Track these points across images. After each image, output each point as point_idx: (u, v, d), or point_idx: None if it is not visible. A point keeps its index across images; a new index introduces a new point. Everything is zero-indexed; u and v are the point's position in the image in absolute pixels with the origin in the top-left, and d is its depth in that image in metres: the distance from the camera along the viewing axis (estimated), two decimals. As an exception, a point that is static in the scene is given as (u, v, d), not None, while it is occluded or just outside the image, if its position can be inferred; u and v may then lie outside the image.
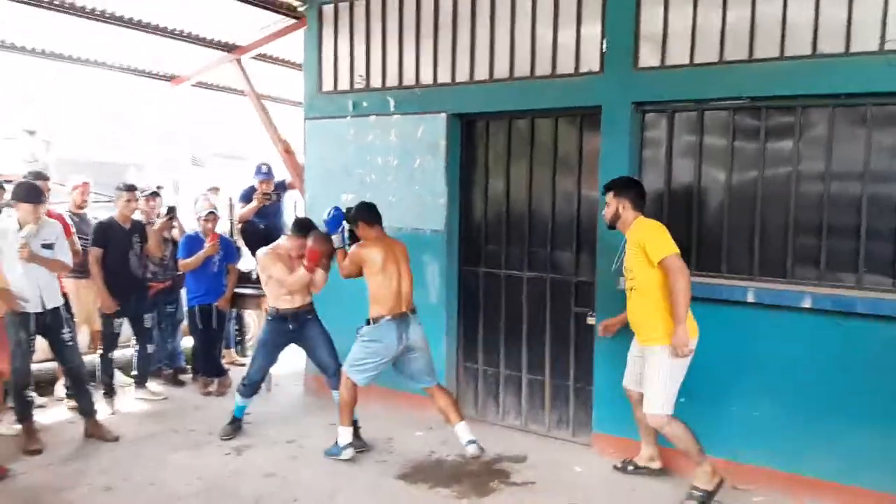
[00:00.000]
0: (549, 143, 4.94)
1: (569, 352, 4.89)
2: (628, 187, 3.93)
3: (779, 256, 4.08)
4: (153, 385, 6.07)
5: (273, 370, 5.32)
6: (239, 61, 7.14)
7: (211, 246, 5.90)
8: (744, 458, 4.12)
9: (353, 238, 4.55)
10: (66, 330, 4.79)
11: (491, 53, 4.98)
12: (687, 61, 4.23)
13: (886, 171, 3.79)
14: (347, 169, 5.68)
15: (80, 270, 5.46)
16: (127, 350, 6.02)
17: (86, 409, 4.93)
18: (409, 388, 4.64)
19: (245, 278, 6.43)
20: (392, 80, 5.49)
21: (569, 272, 4.88)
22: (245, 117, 8.23)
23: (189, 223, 6.46)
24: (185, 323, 6.44)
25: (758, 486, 4.07)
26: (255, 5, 5.98)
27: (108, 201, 6.76)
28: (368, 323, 4.40)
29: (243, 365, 6.29)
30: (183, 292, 6.32)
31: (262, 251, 4.83)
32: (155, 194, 6.35)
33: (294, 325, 4.84)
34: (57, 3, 5.63)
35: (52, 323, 4.71)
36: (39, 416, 5.03)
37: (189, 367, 6.50)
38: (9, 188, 4.96)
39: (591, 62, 4.57)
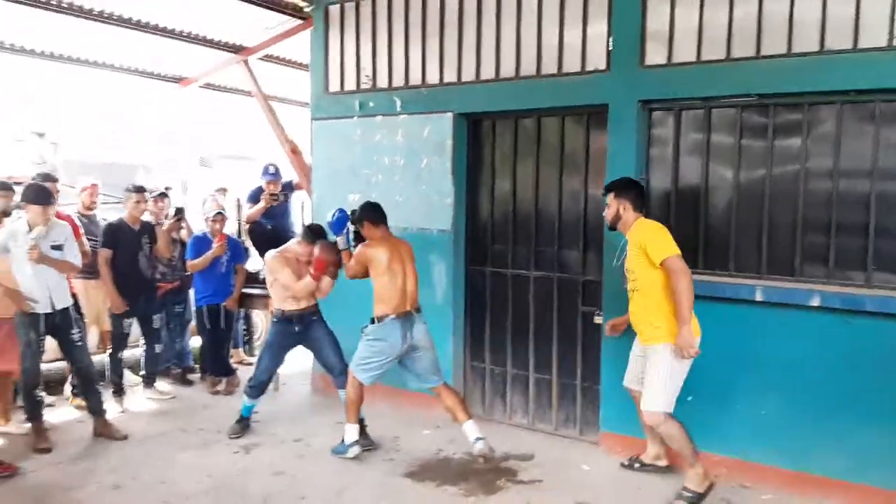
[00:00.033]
0: (555, 142, 4.93)
1: (576, 351, 4.88)
2: (628, 188, 3.91)
3: (787, 254, 4.06)
4: (162, 384, 6.10)
5: (281, 369, 5.34)
6: (246, 62, 7.16)
7: (219, 246, 5.93)
8: (752, 456, 4.10)
9: (359, 238, 4.56)
10: (75, 330, 4.82)
11: (497, 52, 4.99)
12: (694, 59, 4.22)
13: (895, 167, 3.77)
14: (354, 169, 5.69)
15: (89, 271, 5.49)
16: (135, 350, 6.05)
17: (95, 409, 4.96)
18: (416, 388, 4.63)
19: (253, 278, 6.45)
20: (398, 80, 5.50)
21: (576, 271, 4.88)
22: (252, 118, 8.25)
23: (197, 224, 6.49)
24: (193, 323, 6.47)
25: (766, 484, 4.05)
26: (262, 6, 6.00)
27: (117, 203, 6.80)
28: (373, 322, 4.41)
29: (251, 364, 6.32)
30: (191, 292, 6.35)
31: (270, 254, 4.84)
32: (163, 195, 6.38)
33: (300, 327, 4.86)
34: (65, 5, 5.66)
35: (62, 323, 4.74)
36: (49, 416, 5.06)
37: (197, 366, 6.53)
38: (18, 190, 4.99)
39: (597, 60, 4.56)
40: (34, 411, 4.73)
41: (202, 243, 5.99)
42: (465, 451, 4.55)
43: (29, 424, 4.77)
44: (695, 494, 3.80)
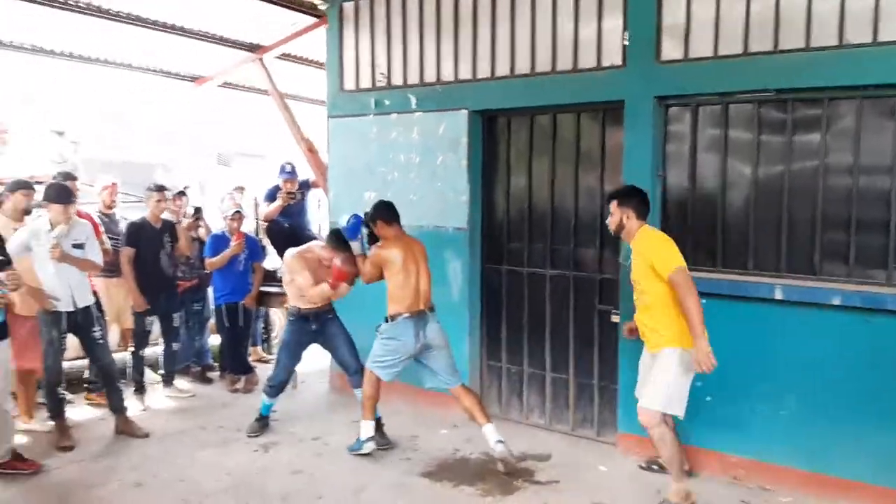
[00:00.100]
0: (571, 138, 4.90)
1: (593, 350, 4.86)
2: (631, 196, 3.84)
3: (806, 252, 4.01)
4: (181, 382, 6.17)
5: (299, 368, 5.37)
6: (262, 61, 7.18)
7: (237, 245, 5.98)
8: (771, 457, 4.06)
9: (373, 240, 4.57)
10: (97, 328, 4.88)
11: (512, 49, 4.96)
12: (710, 54, 4.16)
13: (917, 163, 3.71)
14: (370, 167, 5.70)
15: (110, 269, 5.56)
16: (156, 348, 6.12)
17: (116, 406, 5.02)
18: (433, 387, 4.62)
19: (270, 276, 6.50)
20: (413, 78, 5.49)
21: (592, 269, 4.85)
22: (269, 116, 8.29)
23: (215, 222, 6.54)
24: (212, 321, 6.53)
25: (785, 485, 4.01)
26: (277, 5, 6.01)
27: (137, 201, 6.88)
28: (387, 321, 4.43)
29: (269, 362, 6.37)
30: (210, 291, 6.41)
31: (291, 252, 4.86)
32: (181, 194, 6.45)
33: (316, 325, 4.89)
34: (83, 5, 5.71)
35: (84, 321, 4.80)
36: (70, 413, 5.13)
37: (216, 364, 6.59)
38: (39, 189, 5.05)
39: (612, 56, 4.52)
40: (57, 409, 4.80)
41: (220, 242, 6.04)
42: (482, 450, 4.55)
43: (52, 422, 4.84)
44: None
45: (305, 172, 7.06)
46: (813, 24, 3.83)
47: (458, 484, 4.21)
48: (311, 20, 6.41)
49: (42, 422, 5.02)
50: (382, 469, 4.44)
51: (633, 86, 4.40)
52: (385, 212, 4.51)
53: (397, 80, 5.59)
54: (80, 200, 5.50)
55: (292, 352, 4.97)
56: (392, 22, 5.57)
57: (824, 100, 3.89)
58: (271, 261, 6.82)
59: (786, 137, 4.03)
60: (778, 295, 3.96)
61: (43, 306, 4.58)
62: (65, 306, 4.68)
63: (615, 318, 4.56)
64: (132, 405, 5.34)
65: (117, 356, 5.43)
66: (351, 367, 4.89)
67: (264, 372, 5.70)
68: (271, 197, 6.82)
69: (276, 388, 5.02)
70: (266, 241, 6.96)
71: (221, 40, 6.86)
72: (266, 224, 6.91)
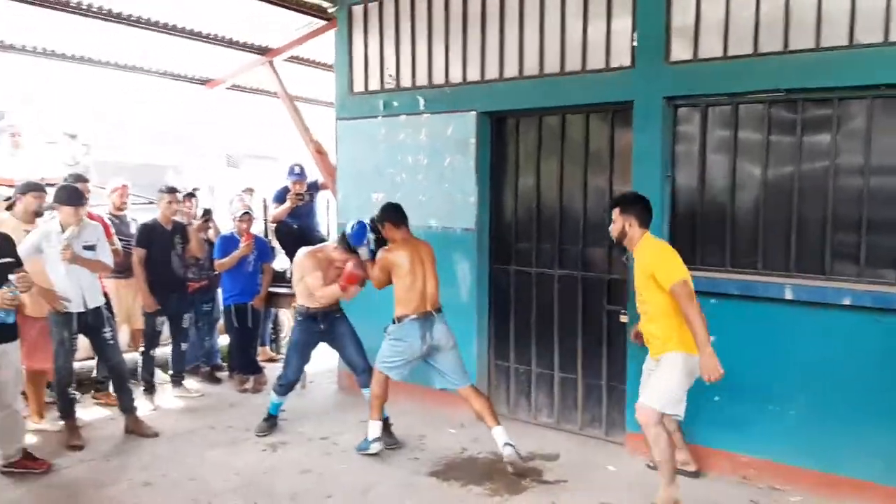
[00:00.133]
0: (579, 139, 4.90)
1: (601, 350, 4.85)
2: (634, 203, 3.80)
3: (817, 252, 3.99)
4: (191, 382, 6.20)
5: (307, 367, 5.38)
6: (271, 63, 7.23)
7: (246, 246, 6.00)
8: (781, 457, 4.05)
9: (381, 243, 4.57)
10: (107, 329, 4.91)
11: (520, 50, 4.97)
12: (720, 54, 4.16)
13: (928, 163, 3.69)
14: (378, 169, 5.72)
15: (120, 270, 5.59)
16: (165, 348, 6.14)
17: (126, 406, 5.04)
18: (442, 387, 4.61)
19: (279, 277, 6.52)
20: (422, 79, 5.50)
21: (601, 269, 4.84)
22: (278, 119, 8.33)
23: (224, 224, 6.57)
24: (221, 321, 6.55)
25: (795, 486, 3.99)
26: (287, 8, 6.05)
27: (147, 203, 6.92)
28: (394, 322, 4.44)
29: (278, 361, 6.39)
30: (219, 291, 6.44)
31: (303, 251, 4.87)
32: (191, 195, 6.49)
33: (324, 325, 4.90)
34: (95, 10, 5.76)
35: (94, 322, 4.83)
36: (81, 413, 5.15)
37: (225, 364, 6.62)
38: (50, 191, 5.09)
39: (621, 56, 4.52)
40: (67, 409, 4.82)
41: (229, 243, 6.07)
42: (490, 450, 4.54)
43: (62, 422, 4.86)
44: None
45: (314, 174, 7.08)
46: (823, 23, 3.82)
47: (466, 483, 4.21)
48: (321, 23, 6.45)
49: (52, 421, 5.05)
50: (390, 468, 4.45)
51: (642, 86, 4.40)
52: (393, 214, 4.53)
53: (406, 81, 5.60)
54: (91, 202, 5.54)
55: (301, 351, 4.99)
56: (401, 24, 5.59)
57: (834, 100, 3.88)
58: (280, 262, 6.85)
59: (796, 138, 4.02)
60: (788, 295, 3.94)
61: (54, 307, 4.60)
62: (76, 307, 4.70)
63: (624, 319, 4.56)
64: (142, 405, 5.36)
65: (127, 356, 5.45)
66: (359, 366, 4.90)
67: (273, 372, 5.72)
68: (280, 198, 6.85)
69: (286, 387, 5.03)
70: (275, 243, 6.98)
71: (232, 43, 6.91)
72: (275, 225, 6.94)
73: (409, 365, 4.48)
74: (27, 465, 4.30)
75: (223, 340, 6.70)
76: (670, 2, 4.28)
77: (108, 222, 5.66)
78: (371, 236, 4.59)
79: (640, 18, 4.40)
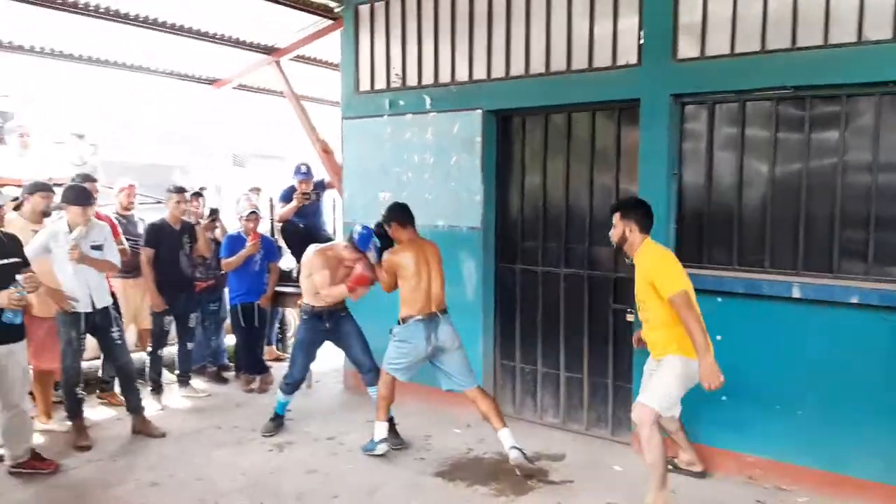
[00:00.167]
0: (586, 137, 4.88)
1: (607, 349, 4.83)
2: (635, 208, 3.76)
3: (824, 250, 3.96)
4: (197, 382, 6.21)
5: (314, 367, 5.39)
6: (278, 63, 7.24)
7: (252, 245, 6.01)
8: (787, 457, 4.02)
9: (388, 245, 4.56)
10: (115, 329, 4.92)
11: (526, 48, 4.95)
12: (727, 51, 4.13)
13: (938, 160, 3.65)
14: (385, 167, 5.71)
15: (128, 270, 5.61)
16: (172, 348, 6.16)
17: (134, 406, 5.05)
18: (449, 389, 4.60)
19: (286, 277, 6.53)
20: (428, 78, 5.49)
21: (607, 268, 4.82)
22: (284, 118, 8.34)
23: (231, 223, 6.58)
24: (228, 321, 6.57)
25: (802, 485, 3.97)
26: (293, 8, 6.05)
27: (155, 203, 6.94)
28: (399, 324, 4.43)
29: (284, 360, 6.40)
30: (226, 291, 6.45)
31: (313, 248, 4.85)
32: (198, 195, 6.50)
33: (329, 324, 4.90)
34: (102, 10, 5.78)
35: (102, 322, 4.84)
36: (88, 413, 5.15)
37: (232, 364, 6.63)
38: (58, 191, 5.11)
39: (628, 54, 4.50)
40: (75, 409, 4.83)
41: (236, 242, 6.08)
42: (496, 450, 4.53)
43: (70, 422, 4.87)
44: None
45: (320, 173, 7.09)
46: (831, 20, 3.79)
47: (472, 483, 4.20)
48: (327, 22, 6.45)
49: (60, 422, 5.07)
50: (396, 469, 4.44)
51: (649, 84, 4.38)
52: (400, 214, 4.52)
53: (412, 80, 5.59)
54: (99, 202, 5.56)
55: (306, 350, 4.99)
56: (407, 23, 5.58)
57: (842, 97, 3.85)
58: (286, 261, 6.85)
59: (804, 135, 3.99)
60: (795, 293, 3.91)
61: (62, 307, 4.62)
62: (84, 307, 4.71)
63: (630, 318, 4.53)
64: (149, 405, 5.38)
65: (134, 356, 5.47)
66: (364, 365, 4.90)
67: (279, 371, 5.73)
68: (287, 198, 6.84)
69: (292, 385, 5.04)
70: (281, 242, 6.99)
71: (238, 43, 6.93)
72: (281, 225, 6.95)
73: (415, 366, 4.47)
74: (35, 465, 4.32)
75: (230, 340, 6.71)
76: (677, -1, 4.26)
77: (116, 222, 5.67)
78: (377, 241, 4.59)
79: (647, 16, 4.37)
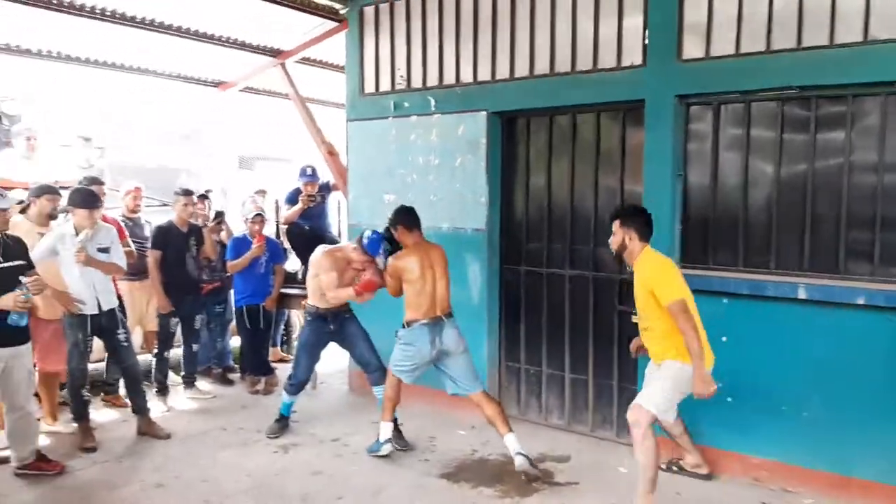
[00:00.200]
0: (591, 138, 4.88)
1: (612, 351, 4.82)
2: (635, 216, 3.74)
3: (830, 251, 3.94)
4: (203, 384, 6.22)
5: (319, 368, 5.40)
6: (283, 65, 7.25)
7: (258, 247, 6.03)
8: (793, 458, 4.00)
9: (395, 248, 4.56)
10: (121, 331, 4.94)
11: (531, 49, 4.95)
12: (732, 51, 4.12)
13: (944, 161, 3.63)
14: (389, 169, 5.71)
15: (134, 273, 5.63)
16: (177, 350, 6.17)
17: (140, 408, 5.07)
18: (454, 392, 4.58)
19: (291, 279, 6.54)
20: (432, 80, 5.50)
21: (612, 269, 4.80)
22: (289, 120, 8.35)
23: (236, 225, 6.60)
24: (233, 323, 6.58)
25: (807, 487, 3.95)
26: (298, 10, 6.06)
27: (161, 206, 6.96)
28: (404, 327, 4.43)
29: (289, 361, 6.40)
30: (231, 293, 6.46)
31: (322, 248, 4.86)
32: (203, 197, 6.52)
33: (334, 325, 4.91)
34: (108, 13, 5.81)
35: (108, 324, 4.86)
36: (93, 415, 5.16)
37: (237, 366, 6.64)
38: (64, 194, 5.13)
39: (633, 55, 4.49)
40: (81, 411, 4.85)
41: (241, 244, 6.09)
42: (500, 452, 4.52)
43: (75, 424, 4.89)
44: None
45: (326, 175, 7.09)
46: (837, 20, 3.77)
47: (477, 485, 4.19)
48: (332, 24, 6.45)
49: (66, 423, 5.08)
50: (401, 470, 4.44)
51: (653, 85, 4.37)
52: (406, 217, 4.52)
53: (416, 82, 5.60)
54: (105, 205, 5.58)
55: (310, 351, 4.99)
56: (412, 25, 5.59)
57: (848, 97, 3.83)
58: (292, 263, 6.87)
59: (809, 135, 3.97)
60: (801, 294, 3.89)
61: (68, 309, 4.64)
62: (90, 309, 4.73)
63: (635, 319, 4.50)
64: (155, 406, 5.39)
65: (140, 358, 5.48)
66: (370, 364, 4.90)
67: (284, 372, 5.73)
68: (292, 200, 6.85)
69: (297, 386, 5.05)
70: (287, 244, 7.00)
71: (244, 46, 6.94)
72: (287, 227, 6.96)
73: (420, 369, 4.47)
74: (41, 466, 4.33)
75: (235, 342, 6.72)
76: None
77: (122, 225, 5.69)
78: (387, 245, 4.59)
79: (652, 16, 4.37)
